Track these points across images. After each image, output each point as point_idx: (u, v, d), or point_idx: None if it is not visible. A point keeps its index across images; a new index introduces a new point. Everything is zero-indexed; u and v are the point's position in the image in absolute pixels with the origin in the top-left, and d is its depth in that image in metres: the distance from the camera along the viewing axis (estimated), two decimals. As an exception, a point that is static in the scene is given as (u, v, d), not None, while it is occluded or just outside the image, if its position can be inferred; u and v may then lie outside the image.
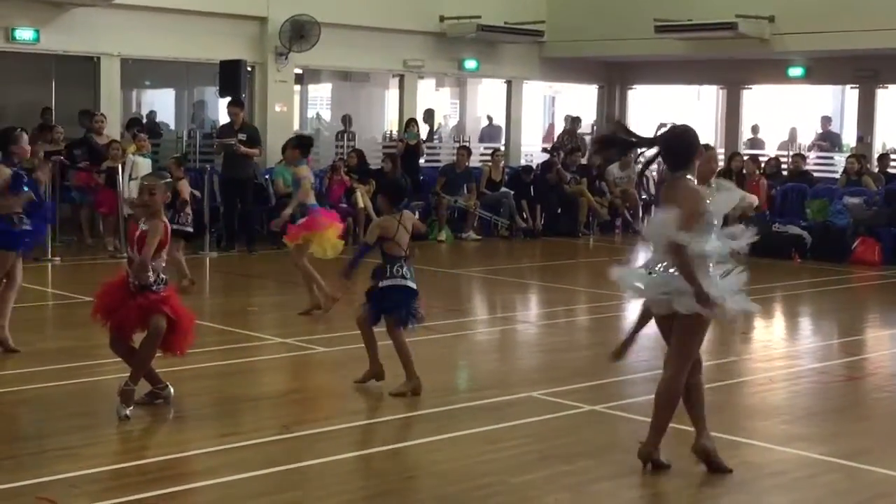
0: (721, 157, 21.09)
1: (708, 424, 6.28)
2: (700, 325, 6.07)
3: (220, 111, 20.01)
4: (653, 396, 6.34)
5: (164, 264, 7.21)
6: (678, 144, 6.27)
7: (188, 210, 12.38)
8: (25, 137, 9.27)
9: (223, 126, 16.76)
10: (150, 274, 7.00)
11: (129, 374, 7.12)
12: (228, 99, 16.65)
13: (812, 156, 20.63)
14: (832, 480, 6.27)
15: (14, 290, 9.13)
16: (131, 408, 7.02)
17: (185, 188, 12.59)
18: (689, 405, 6.29)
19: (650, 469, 6.19)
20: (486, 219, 18.84)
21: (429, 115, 22.53)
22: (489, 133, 23.07)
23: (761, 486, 6.11)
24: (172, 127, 20.84)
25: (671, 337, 6.16)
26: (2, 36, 16.19)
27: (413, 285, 7.83)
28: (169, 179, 7.51)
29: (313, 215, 10.76)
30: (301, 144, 11.26)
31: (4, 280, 9.04)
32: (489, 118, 23.65)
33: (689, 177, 6.18)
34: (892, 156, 19.84)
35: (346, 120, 21.13)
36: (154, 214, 7.13)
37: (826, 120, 21.99)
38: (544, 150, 21.67)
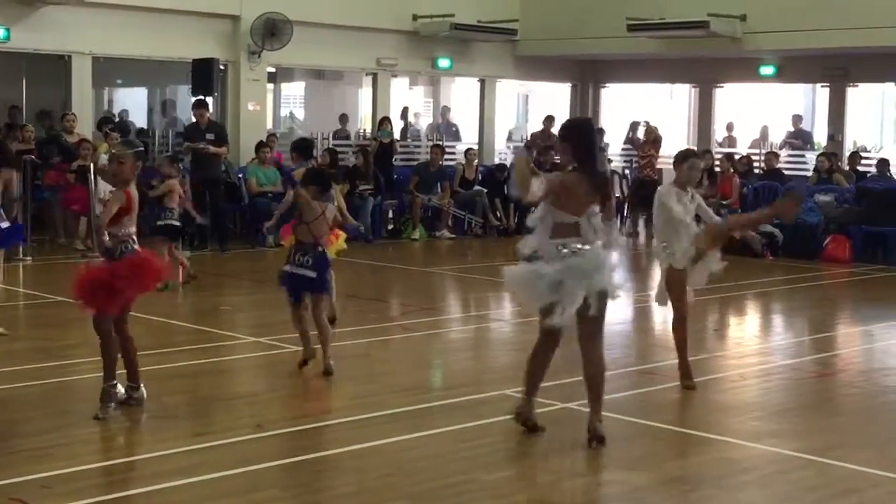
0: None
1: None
2: None
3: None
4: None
5: (128, 231, 7.10)
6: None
7: (174, 206, 12.30)
8: None
9: (189, 126, 16.68)
10: (107, 238, 7.02)
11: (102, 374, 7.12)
12: (199, 98, 16.61)
13: (783, 154, 20.76)
14: (803, 476, 6.33)
15: None
16: (111, 405, 7.04)
17: (177, 187, 12.49)
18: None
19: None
20: (459, 217, 18.87)
21: (404, 114, 22.54)
22: (441, 129, 22.95)
23: (732, 482, 6.16)
24: (145, 125, 20.74)
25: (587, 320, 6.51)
26: (-28, 34, 16.11)
27: (311, 274, 8.33)
28: (140, 149, 7.41)
29: None
30: (297, 147, 11.24)
31: None
32: (443, 114, 23.35)
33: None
34: (863, 154, 20.01)
35: (343, 119, 21.06)
36: (123, 183, 7.15)
37: (797, 118, 22.13)
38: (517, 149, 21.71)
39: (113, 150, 7.58)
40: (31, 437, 6.60)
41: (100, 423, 6.90)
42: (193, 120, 16.51)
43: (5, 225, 9.57)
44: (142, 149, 7.46)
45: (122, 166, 7.17)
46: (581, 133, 6.67)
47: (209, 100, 16.81)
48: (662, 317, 12.32)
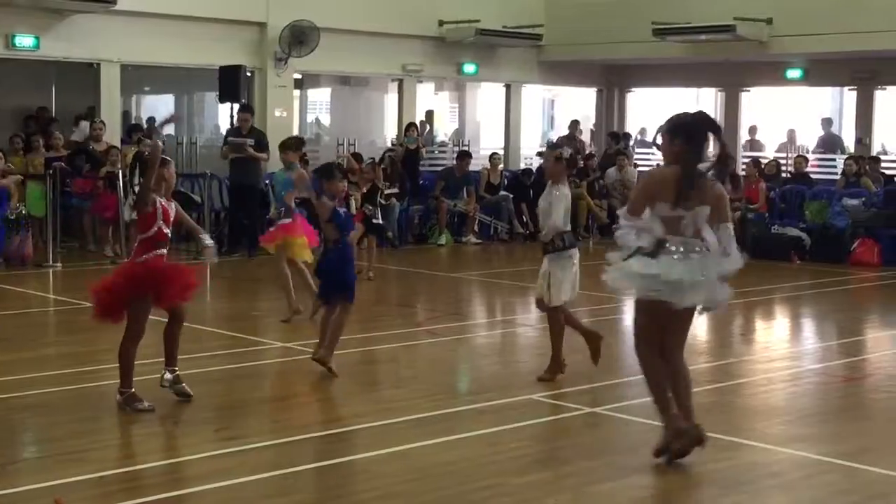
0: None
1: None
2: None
3: (221, 116, 20.07)
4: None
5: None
6: None
7: None
8: None
9: (231, 130, 16.72)
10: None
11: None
12: (238, 104, 16.70)
13: (813, 158, 20.62)
14: (831, 480, 6.31)
15: None
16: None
17: None
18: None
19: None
20: (486, 222, 18.88)
21: (429, 117, 22.56)
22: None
23: (760, 487, 6.15)
24: (172, 132, 20.86)
25: (674, 328, 6.35)
26: (2, 43, 16.25)
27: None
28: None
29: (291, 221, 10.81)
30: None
31: None
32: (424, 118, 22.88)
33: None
34: (883, 157, 19.85)
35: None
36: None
37: (827, 122, 21.93)
38: (538, 153, 21.65)
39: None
40: (63, 442, 6.66)
41: (131, 427, 7.01)
42: (228, 124, 16.58)
43: None
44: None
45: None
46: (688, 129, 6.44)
47: (236, 106, 16.89)
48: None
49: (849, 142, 21.81)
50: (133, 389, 7.33)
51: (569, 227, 8.35)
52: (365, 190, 14.04)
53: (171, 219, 7.41)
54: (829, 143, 21.53)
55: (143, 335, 7.36)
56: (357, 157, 17.77)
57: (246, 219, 16.17)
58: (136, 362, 7.34)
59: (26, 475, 6.06)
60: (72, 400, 7.75)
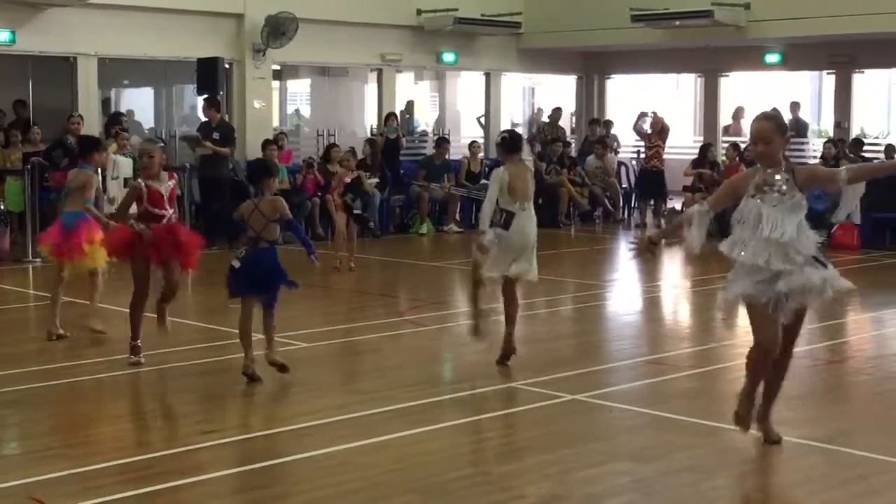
0: (699, 144, 21.21)
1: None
2: None
3: (199, 109, 19.97)
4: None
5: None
6: None
7: None
8: None
9: (201, 124, 16.76)
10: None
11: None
12: (208, 97, 16.70)
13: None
14: (812, 463, 6.33)
15: None
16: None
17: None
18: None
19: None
20: (462, 195, 18.67)
21: (409, 107, 22.50)
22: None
23: (741, 470, 6.17)
24: (152, 125, 20.75)
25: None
26: (-22, 38, 16.15)
27: (236, 264, 8.27)
28: (162, 144, 8.04)
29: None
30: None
31: None
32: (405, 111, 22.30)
33: None
34: (864, 139, 19.90)
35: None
36: (153, 176, 8.10)
37: (795, 106, 21.93)
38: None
39: (142, 146, 8.47)
40: (42, 438, 6.64)
41: (109, 423, 7.02)
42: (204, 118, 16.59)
43: None
44: (163, 145, 8.33)
45: (151, 159, 8.07)
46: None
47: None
48: (672, 307, 12.36)
49: (827, 125, 21.88)
50: (138, 342, 8.28)
51: (494, 207, 9.00)
52: (348, 180, 14.01)
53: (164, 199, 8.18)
54: (795, 127, 21.55)
55: (146, 297, 8.38)
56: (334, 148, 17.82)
57: (217, 208, 16.12)
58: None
59: (4, 472, 6.02)
60: (50, 396, 7.72)
